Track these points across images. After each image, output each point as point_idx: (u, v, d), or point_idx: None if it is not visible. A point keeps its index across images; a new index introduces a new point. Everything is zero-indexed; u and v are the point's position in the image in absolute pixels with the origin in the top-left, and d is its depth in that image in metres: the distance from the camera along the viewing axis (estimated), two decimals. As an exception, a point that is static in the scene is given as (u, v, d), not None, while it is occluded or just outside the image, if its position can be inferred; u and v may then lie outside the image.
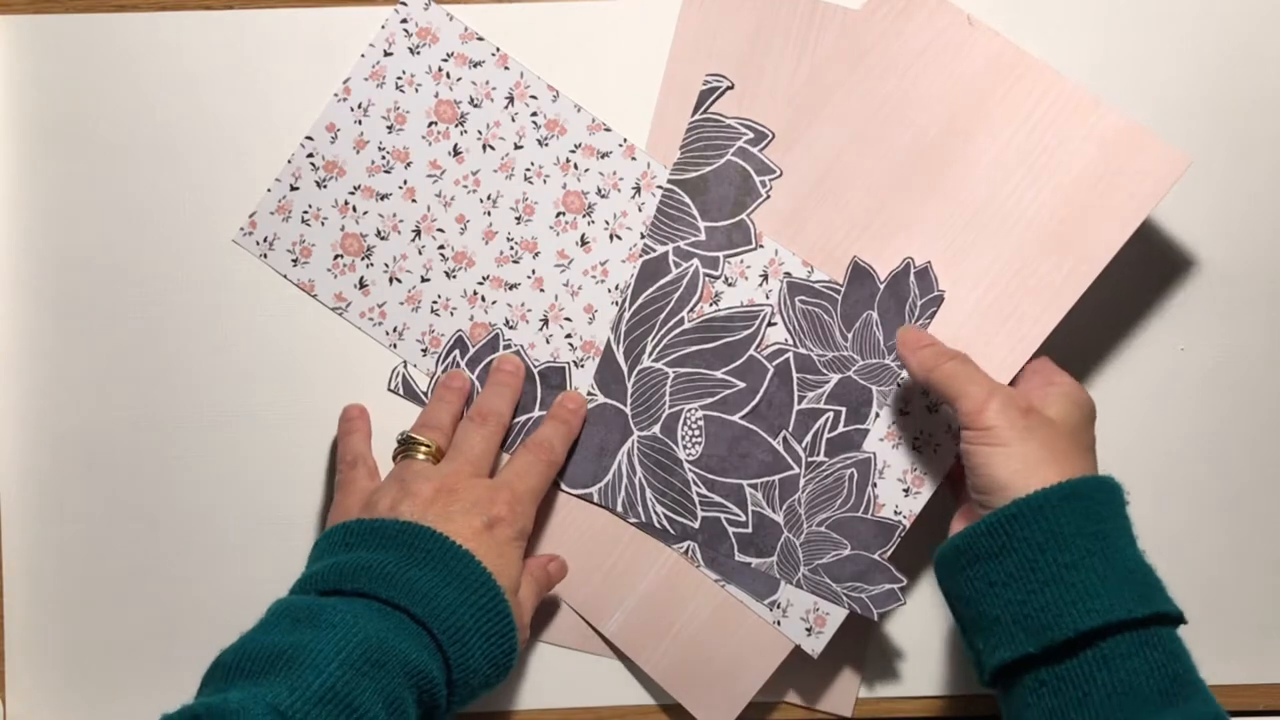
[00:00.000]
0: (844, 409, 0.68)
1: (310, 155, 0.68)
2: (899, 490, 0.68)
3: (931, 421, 0.68)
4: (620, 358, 0.69)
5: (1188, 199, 0.70)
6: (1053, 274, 0.67)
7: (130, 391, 0.69)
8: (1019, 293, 0.67)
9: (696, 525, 0.69)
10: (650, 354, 0.69)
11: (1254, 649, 0.71)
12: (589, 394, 0.69)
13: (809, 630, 0.68)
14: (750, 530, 0.68)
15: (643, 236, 0.69)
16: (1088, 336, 0.71)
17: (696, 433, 0.69)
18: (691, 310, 0.69)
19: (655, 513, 0.69)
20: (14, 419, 0.70)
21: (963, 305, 0.67)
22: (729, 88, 0.70)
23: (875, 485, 0.68)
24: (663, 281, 0.69)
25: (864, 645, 0.71)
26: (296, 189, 0.68)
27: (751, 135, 0.69)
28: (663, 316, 0.69)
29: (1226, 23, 0.70)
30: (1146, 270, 0.71)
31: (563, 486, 0.69)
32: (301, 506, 0.69)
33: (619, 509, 0.69)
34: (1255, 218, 0.71)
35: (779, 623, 0.69)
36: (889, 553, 0.67)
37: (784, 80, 0.69)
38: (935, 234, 0.68)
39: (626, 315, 0.69)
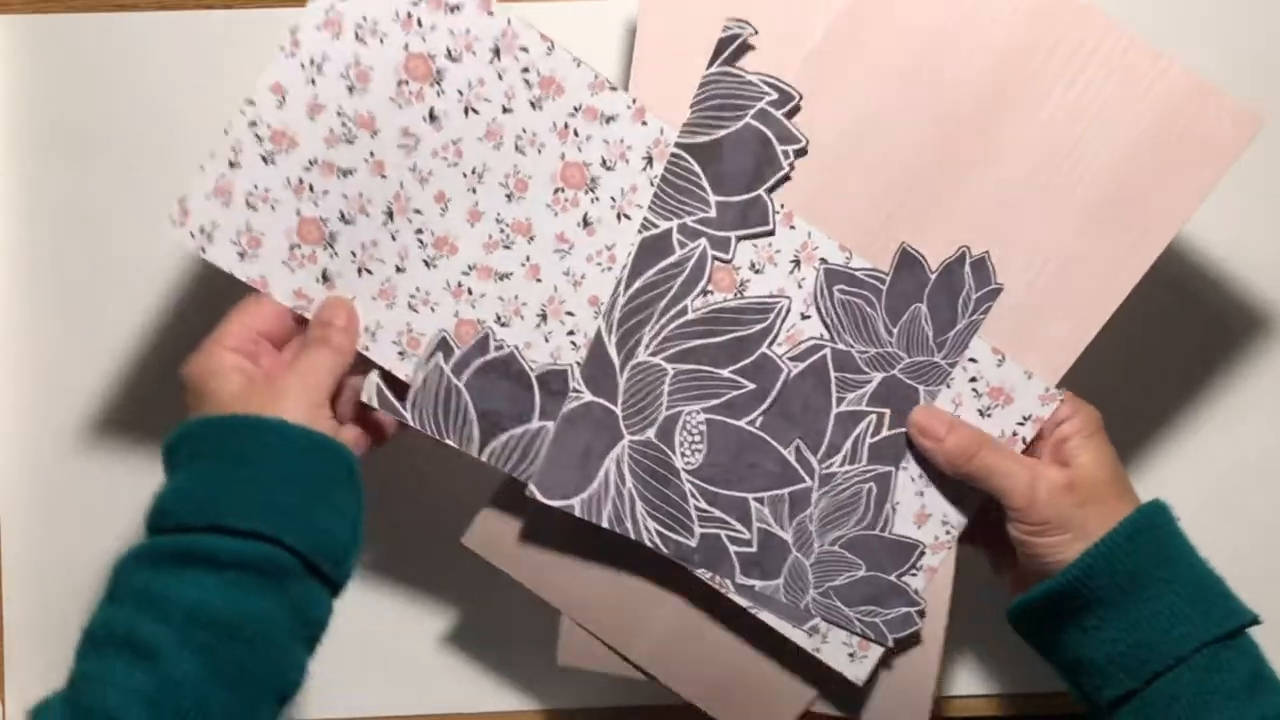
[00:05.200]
0: (888, 411, 0.61)
1: (253, 124, 0.56)
2: (948, 502, 0.61)
3: (983, 425, 0.61)
4: (612, 350, 0.60)
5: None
6: (1113, 248, 0.60)
7: (130, 391, 0.69)
8: (1076, 271, 0.60)
9: (694, 544, 0.61)
10: (647, 347, 0.60)
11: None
12: (576, 392, 0.59)
13: (851, 655, 0.62)
14: (755, 549, 0.61)
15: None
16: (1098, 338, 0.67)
17: (697, 439, 0.60)
18: (696, 298, 0.60)
19: (647, 528, 0.60)
20: (14, 419, 0.69)
21: (1015, 286, 0.60)
22: (753, 33, 0.59)
23: (895, 502, 0.61)
24: (664, 263, 0.60)
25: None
26: (237, 166, 0.56)
27: (776, 96, 0.59)
28: (663, 304, 0.60)
29: (1223, 24, 0.69)
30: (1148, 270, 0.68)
31: (538, 495, 0.60)
32: None
33: (605, 523, 0.60)
34: (1256, 218, 0.70)
35: (819, 650, 0.62)
36: (906, 575, 0.62)
37: (791, 33, 0.59)
38: (981, 208, 0.60)
39: (621, 301, 0.60)
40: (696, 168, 0.59)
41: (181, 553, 0.50)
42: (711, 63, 0.59)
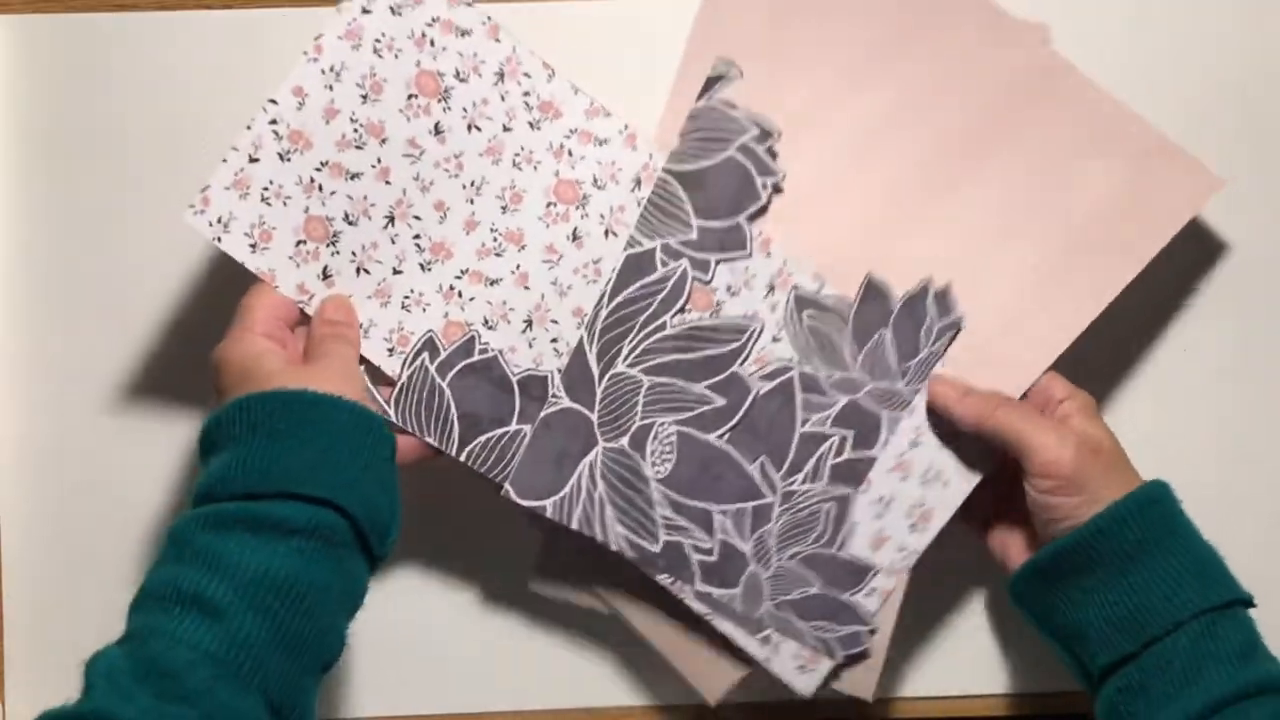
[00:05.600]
0: (851, 433, 0.64)
1: (274, 122, 0.60)
2: (905, 527, 0.64)
3: (942, 457, 0.64)
4: (592, 359, 0.63)
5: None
6: (1076, 284, 0.64)
7: (130, 392, 0.69)
8: (1037, 304, 0.64)
9: (657, 550, 0.63)
10: (625, 358, 0.63)
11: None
12: (555, 397, 0.62)
13: (801, 668, 0.64)
14: (715, 559, 0.63)
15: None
16: (1091, 336, 0.68)
17: (668, 449, 0.63)
18: (675, 315, 0.63)
19: (615, 533, 0.63)
20: (14, 418, 0.69)
21: (982, 314, 0.64)
22: (738, 75, 0.64)
23: (853, 523, 0.64)
24: (647, 280, 0.63)
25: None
26: (256, 161, 0.60)
27: (757, 132, 0.64)
28: (643, 319, 0.63)
29: (1247, 21, 0.70)
30: (1149, 271, 0.68)
31: (513, 495, 0.62)
32: None
33: (574, 525, 0.62)
34: (1256, 219, 0.71)
35: (769, 660, 0.64)
36: (859, 594, 0.64)
37: (805, 66, 0.65)
38: (951, 240, 0.64)
39: (604, 313, 0.63)
40: (682, 193, 0.63)
41: (250, 518, 0.52)
42: (700, 96, 0.64)
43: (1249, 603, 0.58)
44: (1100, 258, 0.63)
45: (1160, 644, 0.56)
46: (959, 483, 0.64)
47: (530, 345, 0.63)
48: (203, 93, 0.67)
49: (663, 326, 0.63)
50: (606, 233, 0.64)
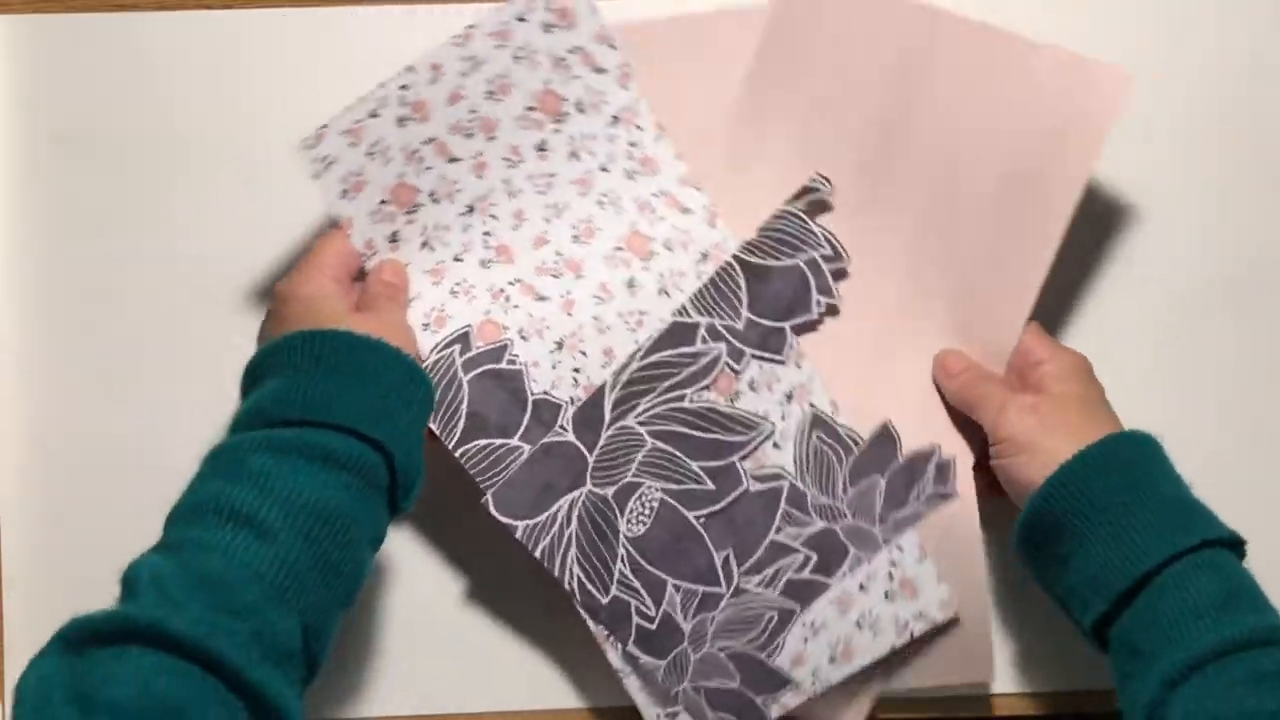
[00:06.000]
0: (816, 557, 0.65)
1: (404, 87, 0.64)
2: (825, 656, 0.65)
3: (883, 606, 0.65)
4: (608, 404, 0.65)
5: (1192, 201, 0.70)
6: (1030, 220, 0.64)
7: (132, 393, 0.69)
8: (1002, 248, 0.64)
9: (604, 601, 0.64)
10: (638, 415, 0.65)
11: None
12: (561, 426, 0.65)
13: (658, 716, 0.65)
14: (654, 628, 0.64)
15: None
16: (1090, 339, 0.69)
17: (647, 513, 0.65)
18: (698, 392, 0.65)
19: (571, 572, 0.64)
20: (14, 419, 0.69)
21: (947, 270, 0.66)
22: (830, 194, 0.67)
23: (788, 635, 0.65)
24: (684, 350, 0.66)
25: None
26: (376, 117, 0.64)
27: (829, 251, 0.67)
28: (667, 384, 0.65)
29: (1239, 29, 0.70)
30: (1150, 270, 0.71)
31: (491, 507, 0.63)
32: None
33: (537, 553, 0.64)
34: (1257, 218, 0.71)
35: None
36: (769, 701, 0.64)
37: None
38: (900, 216, 0.66)
39: (634, 365, 0.65)
40: (743, 282, 0.66)
41: (306, 446, 0.53)
42: (791, 200, 0.67)
43: (1232, 541, 0.56)
44: (1043, 186, 0.63)
45: (1137, 600, 0.54)
46: (887, 638, 0.64)
47: (553, 367, 0.66)
48: (203, 93, 0.68)
49: (682, 398, 0.65)
50: (660, 291, 0.67)
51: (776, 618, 0.65)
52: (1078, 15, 0.70)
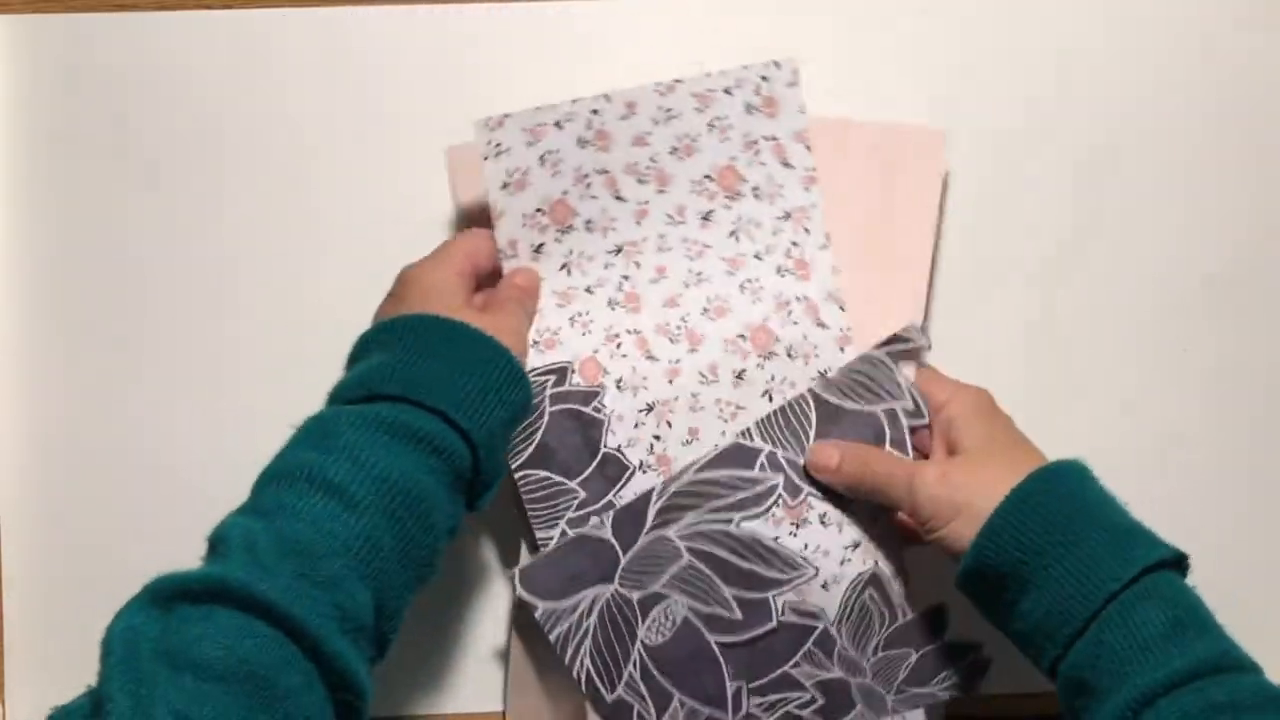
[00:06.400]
0: (822, 700, 0.63)
1: (595, 112, 0.65)
2: None
3: None
4: (652, 511, 0.64)
5: (1192, 204, 0.71)
6: (886, 289, 0.66)
7: (132, 394, 0.69)
8: (878, 313, 0.65)
9: (610, 699, 0.62)
10: (680, 529, 0.63)
11: (1254, 650, 0.61)
12: (600, 524, 0.63)
13: None
14: None
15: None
16: (1090, 338, 0.70)
17: (669, 626, 0.63)
18: (746, 520, 0.63)
19: (581, 663, 0.62)
20: (14, 419, 0.69)
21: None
22: (927, 348, 0.66)
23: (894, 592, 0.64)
24: (741, 473, 0.64)
25: None
26: (560, 128, 0.65)
27: (912, 407, 0.64)
28: (716, 504, 0.63)
29: (1226, 24, 0.70)
30: (1148, 271, 0.71)
31: (517, 583, 0.62)
32: None
33: (551, 638, 0.62)
34: (1257, 219, 0.71)
35: None
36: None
37: None
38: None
39: (686, 478, 0.64)
40: (814, 417, 0.64)
41: (399, 425, 0.53)
42: (882, 345, 0.65)
43: (1174, 560, 0.54)
44: (892, 254, 0.66)
45: (1081, 640, 0.53)
46: None
47: (635, 427, 0.65)
48: (203, 93, 0.68)
49: (729, 521, 0.63)
50: (765, 394, 0.65)
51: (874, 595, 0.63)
52: (1060, 23, 0.70)
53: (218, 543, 0.50)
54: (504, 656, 0.68)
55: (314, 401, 0.65)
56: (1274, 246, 0.71)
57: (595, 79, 0.65)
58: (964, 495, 0.58)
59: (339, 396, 0.56)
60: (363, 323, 0.65)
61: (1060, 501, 0.56)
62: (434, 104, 0.68)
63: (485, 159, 0.64)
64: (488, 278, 0.64)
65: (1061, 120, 0.70)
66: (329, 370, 0.66)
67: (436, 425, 0.54)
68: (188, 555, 0.67)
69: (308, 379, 0.65)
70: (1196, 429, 0.71)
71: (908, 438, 0.64)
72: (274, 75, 0.68)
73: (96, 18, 0.68)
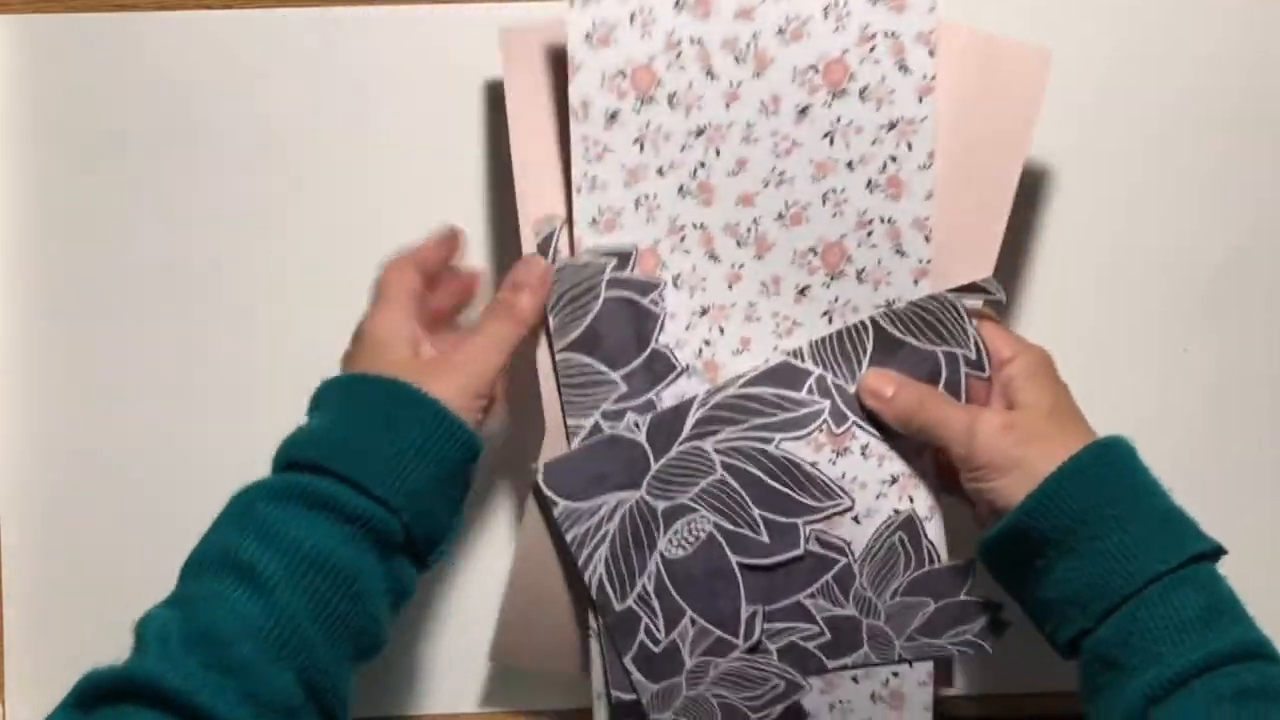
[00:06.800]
0: (829, 636, 0.62)
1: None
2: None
3: (864, 702, 0.63)
4: (689, 420, 0.60)
5: (1190, 200, 0.70)
6: (969, 217, 0.61)
7: (131, 394, 0.68)
8: (954, 230, 0.61)
9: (618, 609, 0.61)
10: (717, 441, 0.61)
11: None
12: (636, 426, 0.60)
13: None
14: (657, 650, 0.61)
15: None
16: (1090, 338, 0.70)
17: (691, 540, 0.61)
18: (786, 441, 0.61)
19: (594, 569, 0.61)
20: (14, 419, 0.68)
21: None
22: (1002, 299, 0.61)
23: (786, 706, 0.62)
24: (787, 393, 0.61)
25: None
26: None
27: (974, 357, 0.60)
28: (756, 422, 0.61)
29: (1229, 23, 0.69)
30: (1149, 270, 0.70)
31: (539, 478, 0.60)
32: None
33: (568, 537, 0.60)
34: (1258, 219, 0.71)
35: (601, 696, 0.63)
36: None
37: None
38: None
39: (731, 390, 0.61)
40: (870, 345, 0.61)
41: (311, 495, 0.52)
42: (956, 289, 0.61)
43: (1214, 553, 0.55)
44: (977, 181, 0.60)
45: (1116, 616, 0.53)
46: None
47: (687, 328, 0.61)
48: (203, 92, 0.67)
49: (769, 440, 0.61)
50: (826, 315, 0.62)
51: (783, 687, 0.62)
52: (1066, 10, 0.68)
53: (137, 637, 0.49)
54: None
55: None
56: (1274, 246, 0.70)
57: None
58: (1023, 451, 0.56)
59: (274, 461, 0.55)
60: None
61: (1117, 476, 0.55)
62: (435, 104, 0.66)
63: (571, 3, 0.57)
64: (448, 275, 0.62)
65: (1058, 120, 0.66)
66: (333, 372, 0.66)
67: (347, 493, 0.52)
68: (187, 555, 0.66)
69: (309, 379, 0.65)
70: (1196, 429, 0.71)
71: (963, 384, 0.60)
72: (274, 75, 0.66)
73: (96, 18, 0.66)
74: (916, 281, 0.61)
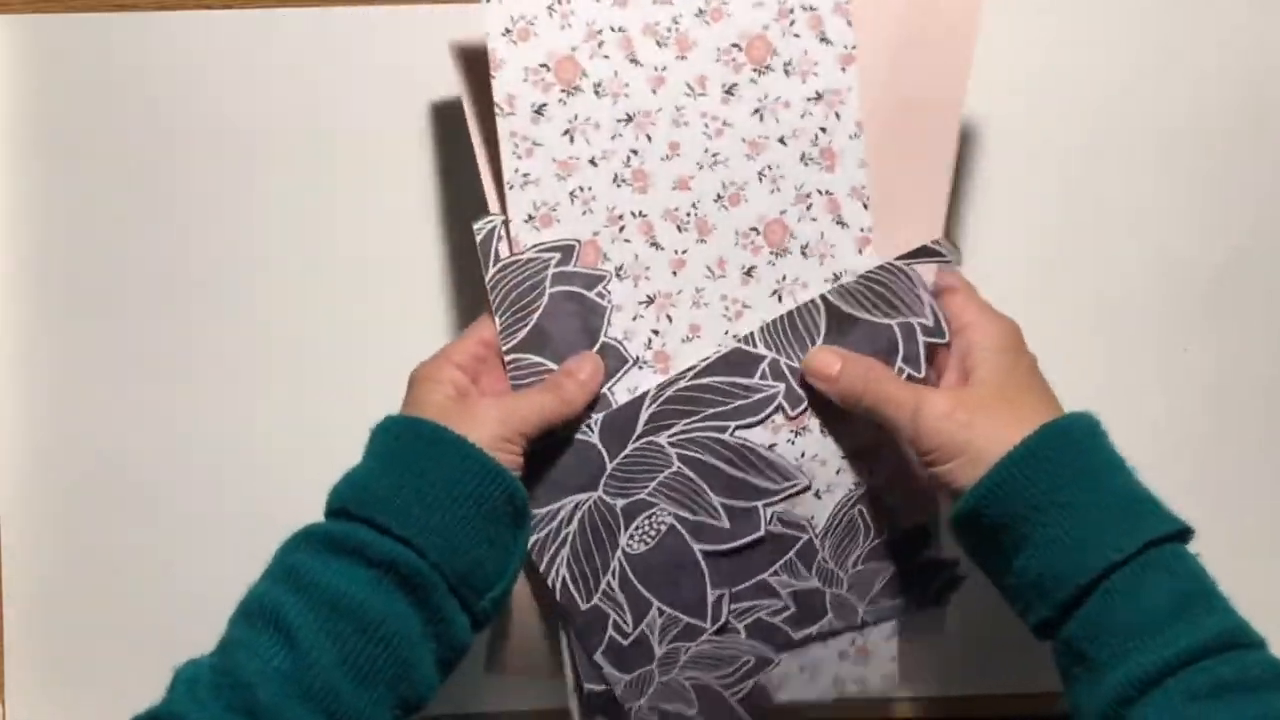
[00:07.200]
0: (794, 609, 0.62)
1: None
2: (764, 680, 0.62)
3: (830, 659, 0.63)
4: (643, 416, 0.59)
5: (1190, 200, 0.70)
6: (911, 178, 0.60)
7: (131, 394, 0.68)
8: (899, 171, 0.60)
9: (583, 607, 0.60)
10: (671, 434, 0.59)
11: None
12: (588, 428, 0.59)
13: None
14: (626, 644, 0.60)
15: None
16: (1090, 338, 0.70)
17: (652, 535, 0.60)
18: (742, 428, 0.60)
19: (557, 571, 0.59)
20: (14, 420, 0.69)
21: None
22: (957, 264, 0.61)
23: (759, 681, 0.62)
24: (739, 380, 0.60)
25: None
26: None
27: (931, 324, 0.60)
28: (709, 413, 0.59)
29: (1227, 23, 0.69)
30: (1149, 270, 0.70)
31: None
32: (304, 511, 0.65)
33: (529, 545, 0.59)
34: (1257, 219, 0.71)
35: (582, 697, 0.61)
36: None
37: None
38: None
39: (682, 383, 0.59)
40: (823, 324, 0.60)
41: (336, 540, 0.51)
42: (905, 256, 0.60)
43: (1179, 534, 0.51)
44: (920, 111, 0.60)
45: (1082, 608, 0.50)
46: (820, 689, 0.63)
47: (634, 319, 0.60)
48: (203, 92, 0.67)
49: (724, 429, 0.60)
50: (774, 294, 0.60)
51: (753, 662, 0.61)
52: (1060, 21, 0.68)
53: (171, 682, 0.50)
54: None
55: (314, 401, 0.68)
56: (1274, 247, 0.70)
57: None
58: (969, 435, 0.53)
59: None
60: (364, 322, 0.67)
61: (1072, 459, 0.52)
62: (435, 103, 0.66)
63: (486, 1, 0.57)
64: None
65: (1060, 118, 0.68)
66: (332, 372, 0.67)
67: (371, 535, 0.51)
68: (187, 556, 0.69)
69: (310, 379, 0.67)
70: (1196, 429, 0.71)
71: (922, 354, 0.59)
72: (274, 75, 0.66)
73: (96, 18, 0.66)
74: (861, 250, 0.61)
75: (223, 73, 0.66)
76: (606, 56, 0.58)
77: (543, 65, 0.58)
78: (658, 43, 0.58)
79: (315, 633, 0.49)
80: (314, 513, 0.67)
